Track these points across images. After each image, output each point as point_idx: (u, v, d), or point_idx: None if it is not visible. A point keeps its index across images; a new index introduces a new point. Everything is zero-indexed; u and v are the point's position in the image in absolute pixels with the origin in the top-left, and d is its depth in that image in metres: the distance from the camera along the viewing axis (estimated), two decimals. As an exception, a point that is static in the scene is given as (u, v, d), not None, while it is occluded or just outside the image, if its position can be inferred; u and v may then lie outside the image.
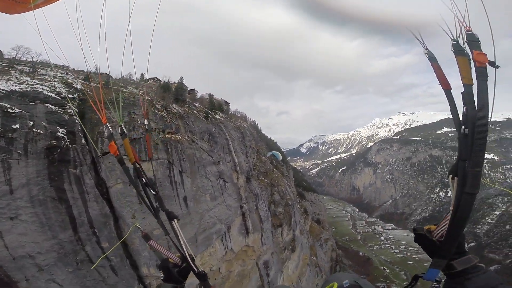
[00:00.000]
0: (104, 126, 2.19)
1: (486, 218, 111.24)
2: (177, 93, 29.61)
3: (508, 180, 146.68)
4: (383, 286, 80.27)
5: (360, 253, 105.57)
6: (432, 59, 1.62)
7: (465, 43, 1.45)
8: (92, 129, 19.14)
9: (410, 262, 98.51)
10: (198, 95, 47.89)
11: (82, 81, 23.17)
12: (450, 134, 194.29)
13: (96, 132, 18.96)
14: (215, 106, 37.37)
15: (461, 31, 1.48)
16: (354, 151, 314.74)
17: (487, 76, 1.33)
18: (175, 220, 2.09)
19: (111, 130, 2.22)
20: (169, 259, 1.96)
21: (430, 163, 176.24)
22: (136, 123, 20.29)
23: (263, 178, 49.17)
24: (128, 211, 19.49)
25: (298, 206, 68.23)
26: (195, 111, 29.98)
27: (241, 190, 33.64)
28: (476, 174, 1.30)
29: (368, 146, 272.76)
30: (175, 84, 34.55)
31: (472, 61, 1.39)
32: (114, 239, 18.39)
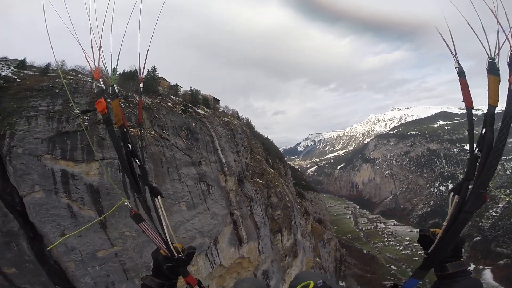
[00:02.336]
0: (95, 82, 1.83)
1: (490, 211, 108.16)
2: (147, 83, 25.02)
3: (507, 171, 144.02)
4: (391, 284, 76.61)
5: (364, 251, 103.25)
6: (461, 74, 1.53)
7: (507, 63, 1.39)
8: (1, 121, 14.73)
9: (416, 259, 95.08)
10: (182, 90, 44.17)
11: (15, 69, 18.99)
12: (446, 127, 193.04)
13: (6, 124, 14.50)
14: (197, 100, 32.89)
15: (498, 50, 1.42)
16: (351, 148, 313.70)
17: None
18: (159, 197, 1.79)
19: (103, 87, 1.84)
20: (161, 251, 1.68)
21: (428, 156, 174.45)
22: (71, 114, 15.85)
23: (258, 179, 44.88)
24: (54, 226, 14.89)
25: (298, 206, 64.35)
26: (169, 104, 25.41)
27: (231, 195, 29.07)
28: (479, 195, 1.33)
29: (365, 142, 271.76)
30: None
31: (507, 83, 1.35)
32: (28, 263, 13.82)
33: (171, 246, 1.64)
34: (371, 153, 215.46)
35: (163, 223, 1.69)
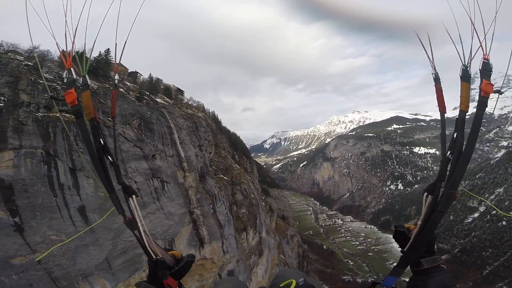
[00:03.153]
0: (67, 71, 1.72)
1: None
2: (97, 66, 21.30)
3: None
4: (349, 279, 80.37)
5: (324, 247, 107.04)
6: (437, 80, 1.59)
7: (479, 71, 1.45)
8: None
9: (371, 254, 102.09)
10: (142, 78, 40.34)
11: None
12: (398, 131, 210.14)
13: None
14: (157, 88, 29.56)
15: (471, 57, 1.47)
16: (313, 147, 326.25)
17: (486, 106, 1.38)
18: (133, 196, 1.74)
19: (75, 77, 1.74)
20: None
21: (382, 157, 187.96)
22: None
23: (222, 176, 42.79)
24: None
25: (263, 203, 63.73)
26: (121, 89, 22.03)
27: (191, 192, 26.57)
28: (450, 195, 1.39)
29: (326, 141, 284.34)
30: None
31: (478, 90, 1.39)
32: None
33: (148, 248, 1.58)
34: (332, 152, 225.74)
35: (139, 224, 1.62)
